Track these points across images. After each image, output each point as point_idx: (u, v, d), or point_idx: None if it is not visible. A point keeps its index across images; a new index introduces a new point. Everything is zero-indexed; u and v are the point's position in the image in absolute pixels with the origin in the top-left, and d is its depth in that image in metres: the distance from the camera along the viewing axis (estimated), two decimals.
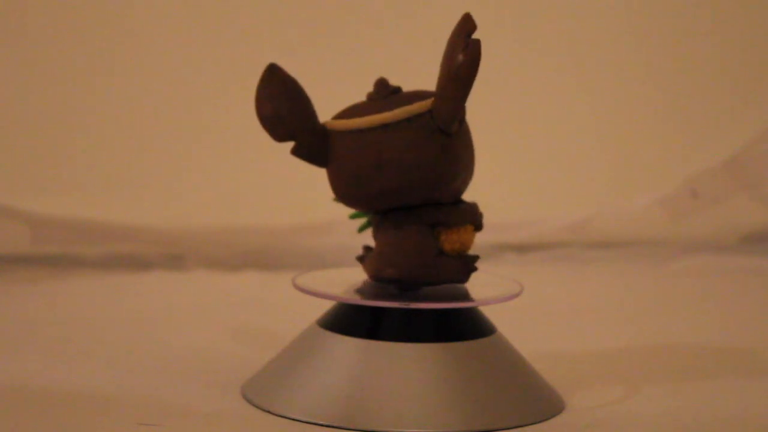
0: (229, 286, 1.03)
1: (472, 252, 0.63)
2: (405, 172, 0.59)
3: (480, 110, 0.59)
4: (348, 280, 0.65)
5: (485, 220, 0.63)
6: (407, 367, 0.60)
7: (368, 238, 0.65)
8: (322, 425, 0.59)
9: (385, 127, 0.60)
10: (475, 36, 0.57)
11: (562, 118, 1.31)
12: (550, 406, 0.63)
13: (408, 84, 0.63)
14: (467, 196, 0.63)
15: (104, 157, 1.22)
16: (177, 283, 1.04)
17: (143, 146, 1.23)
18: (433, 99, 0.60)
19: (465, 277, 0.62)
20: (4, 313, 0.89)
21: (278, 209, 1.20)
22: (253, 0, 1.26)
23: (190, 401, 0.63)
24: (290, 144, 0.61)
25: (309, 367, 0.61)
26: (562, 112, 1.31)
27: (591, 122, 1.30)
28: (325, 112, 0.62)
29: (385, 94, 0.62)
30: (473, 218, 0.62)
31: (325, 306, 0.65)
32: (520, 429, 0.60)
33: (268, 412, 0.61)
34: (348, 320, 0.62)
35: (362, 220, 0.67)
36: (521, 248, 1.19)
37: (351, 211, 0.67)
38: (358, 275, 0.65)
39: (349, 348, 0.61)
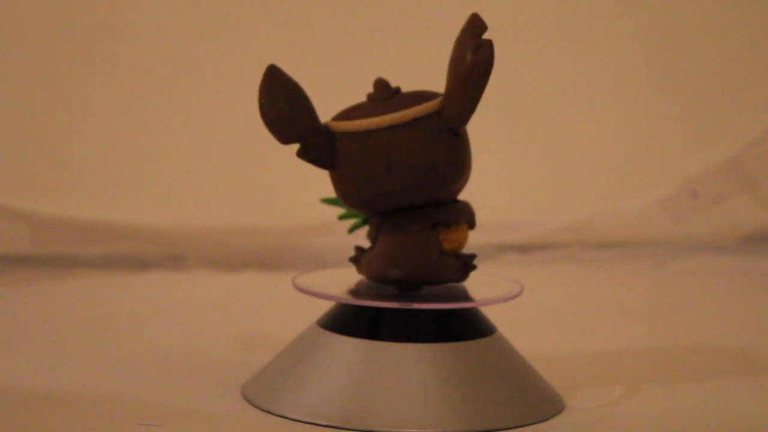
0: (229, 286, 1.03)
1: (468, 251, 0.63)
2: (414, 173, 0.59)
3: (480, 110, 0.59)
4: (348, 280, 0.65)
5: (486, 220, 0.64)
6: (407, 367, 0.60)
7: (357, 239, 0.65)
8: (322, 425, 0.59)
9: (393, 128, 0.60)
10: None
11: (562, 118, 1.31)
12: (550, 406, 0.63)
13: (403, 84, 0.63)
14: (466, 195, 0.63)
15: (104, 157, 1.22)
16: (177, 283, 1.04)
17: (143, 146, 1.23)
18: (439, 99, 0.60)
19: (464, 276, 0.62)
20: (4, 313, 0.89)
21: (278, 209, 1.20)
22: (252, 0, 1.26)
23: (190, 401, 0.63)
24: (290, 144, 0.61)
25: (309, 368, 0.61)
26: (562, 113, 1.31)
27: (591, 122, 1.30)
28: (320, 113, 0.62)
29: (387, 95, 0.62)
30: (469, 217, 0.63)
31: (325, 306, 0.65)
32: (520, 429, 0.60)
33: (268, 412, 0.61)
34: (348, 320, 0.62)
35: (352, 221, 0.66)
36: (521, 248, 1.19)
37: (340, 211, 0.67)
38: (358, 275, 0.65)
39: (349, 348, 0.61)
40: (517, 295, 0.63)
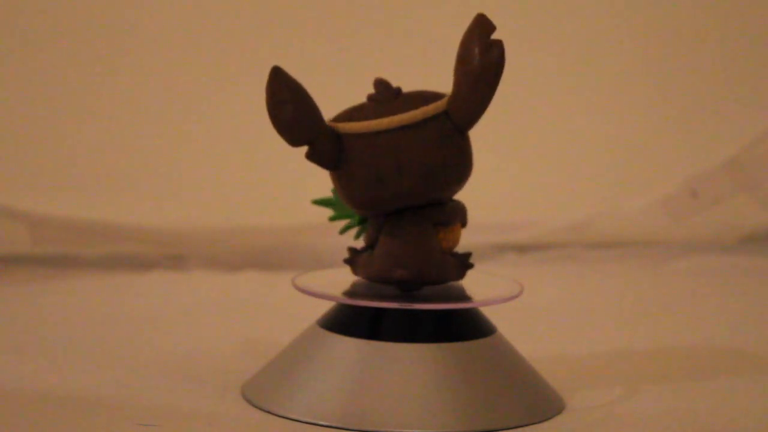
0: (229, 286, 1.03)
1: (468, 250, 0.63)
2: (424, 174, 0.59)
3: None
4: (348, 280, 0.65)
5: (486, 220, 0.64)
6: (407, 367, 0.60)
7: (350, 240, 0.65)
8: (322, 425, 0.59)
9: (403, 128, 0.60)
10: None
11: (562, 118, 1.30)
12: (550, 406, 0.63)
13: (396, 83, 0.62)
14: (467, 195, 0.63)
15: (104, 157, 1.22)
16: (177, 283, 1.04)
17: (143, 146, 1.23)
18: (446, 99, 0.60)
19: (463, 275, 0.63)
20: (4, 313, 0.89)
21: (278, 209, 1.20)
22: (251, 0, 1.26)
23: (190, 402, 0.63)
24: (300, 147, 0.61)
25: (309, 368, 0.61)
26: (562, 112, 1.30)
27: (591, 122, 1.30)
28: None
29: (389, 95, 0.61)
30: (462, 216, 0.63)
31: (325, 306, 0.65)
32: (520, 429, 0.60)
33: (268, 412, 0.61)
34: (348, 320, 0.62)
35: (344, 222, 0.66)
36: (521, 248, 1.19)
37: (330, 213, 0.67)
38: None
39: (349, 348, 0.61)
40: (517, 296, 0.63)
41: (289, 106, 0.59)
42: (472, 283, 0.64)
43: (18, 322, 0.85)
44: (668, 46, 1.32)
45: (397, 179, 0.60)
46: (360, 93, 0.63)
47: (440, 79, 0.64)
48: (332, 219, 0.67)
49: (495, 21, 0.58)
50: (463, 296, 0.63)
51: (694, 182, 1.25)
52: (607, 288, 1.07)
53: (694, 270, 1.14)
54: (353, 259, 0.64)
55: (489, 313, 0.65)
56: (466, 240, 0.65)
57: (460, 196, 0.63)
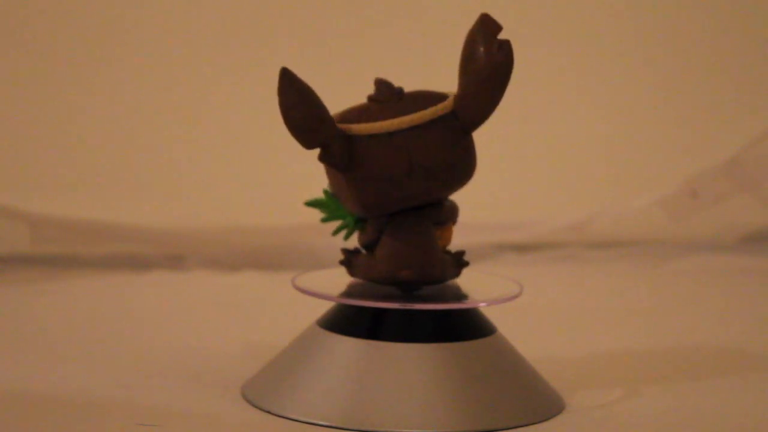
0: (229, 286, 1.03)
1: (467, 250, 0.63)
2: (435, 173, 0.60)
3: None
4: (348, 280, 0.65)
5: (486, 220, 0.64)
6: (407, 367, 0.60)
7: (339, 241, 0.65)
8: (322, 425, 0.59)
9: (414, 129, 0.59)
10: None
11: (562, 118, 1.31)
12: (550, 406, 0.63)
13: (395, 83, 0.62)
14: (467, 194, 0.64)
15: (104, 157, 1.22)
16: (177, 283, 1.04)
17: (143, 146, 1.23)
18: (452, 99, 0.60)
19: (458, 272, 0.63)
20: (4, 313, 0.89)
21: (278, 209, 1.20)
22: (250, 0, 1.26)
23: (190, 401, 0.63)
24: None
25: (309, 368, 0.61)
26: (562, 112, 1.31)
27: (591, 122, 1.30)
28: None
29: (391, 95, 0.61)
30: (456, 215, 0.63)
31: (325, 306, 0.65)
32: (520, 429, 0.60)
33: (268, 412, 0.61)
34: (348, 320, 0.62)
35: (336, 224, 0.66)
36: (521, 248, 1.19)
37: (321, 214, 0.66)
38: None
39: (349, 348, 0.61)
40: (517, 296, 0.63)
41: (301, 110, 0.58)
42: (471, 283, 0.64)
43: (18, 322, 0.85)
44: (668, 47, 1.32)
45: (408, 179, 0.59)
46: (357, 93, 0.63)
47: (440, 78, 0.64)
48: (324, 221, 0.66)
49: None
50: (463, 296, 0.63)
51: (694, 182, 1.25)
52: (607, 288, 1.07)
53: (693, 270, 1.14)
54: (349, 260, 0.63)
55: (489, 313, 0.65)
56: (467, 240, 0.65)
57: (460, 195, 0.63)
